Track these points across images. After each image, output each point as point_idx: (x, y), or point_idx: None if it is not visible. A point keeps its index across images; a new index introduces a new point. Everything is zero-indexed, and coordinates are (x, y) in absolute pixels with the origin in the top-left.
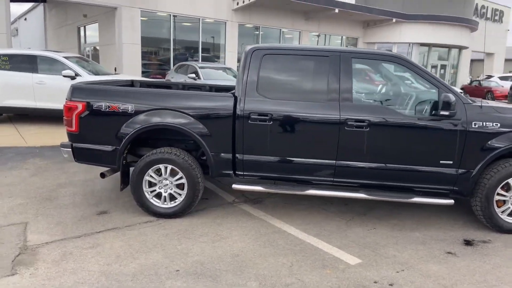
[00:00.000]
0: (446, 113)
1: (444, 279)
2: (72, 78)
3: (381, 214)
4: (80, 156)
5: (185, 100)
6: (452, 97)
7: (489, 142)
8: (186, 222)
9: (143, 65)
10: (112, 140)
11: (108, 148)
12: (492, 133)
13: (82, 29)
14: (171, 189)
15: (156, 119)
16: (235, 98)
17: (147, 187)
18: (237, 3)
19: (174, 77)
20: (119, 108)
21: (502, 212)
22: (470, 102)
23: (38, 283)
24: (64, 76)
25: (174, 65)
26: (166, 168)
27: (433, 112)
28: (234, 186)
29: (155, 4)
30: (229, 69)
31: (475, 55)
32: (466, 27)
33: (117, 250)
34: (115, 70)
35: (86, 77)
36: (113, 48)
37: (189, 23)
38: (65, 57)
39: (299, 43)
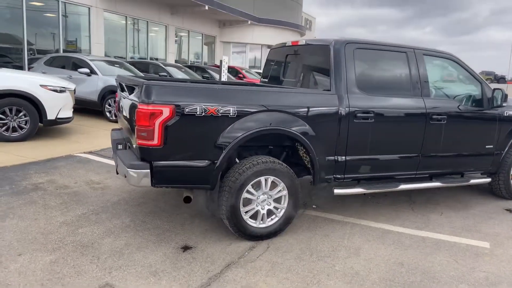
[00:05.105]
0: (505, 104)
1: None
2: None
3: (424, 199)
4: (163, 178)
5: (292, 99)
6: (504, 91)
7: None
8: (292, 241)
9: None
10: (206, 153)
11: (202, 163)
12: None
13: None
14: (269, 205)
15: (265, 123)
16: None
17: (243, 206)
18: None
19: (46, 71)
20: (218, 111)
21: None
22: None
23: None
24: None
25: (28, 57)
26: (266, 180)
27: (493, 103)
28: (337, 191)
29: None
30: (121, 63)
31: None
32: (298, 32)
33: None
34: None
35: None
36: None
37: (47, 6)
38: None
39: (165, 37)
